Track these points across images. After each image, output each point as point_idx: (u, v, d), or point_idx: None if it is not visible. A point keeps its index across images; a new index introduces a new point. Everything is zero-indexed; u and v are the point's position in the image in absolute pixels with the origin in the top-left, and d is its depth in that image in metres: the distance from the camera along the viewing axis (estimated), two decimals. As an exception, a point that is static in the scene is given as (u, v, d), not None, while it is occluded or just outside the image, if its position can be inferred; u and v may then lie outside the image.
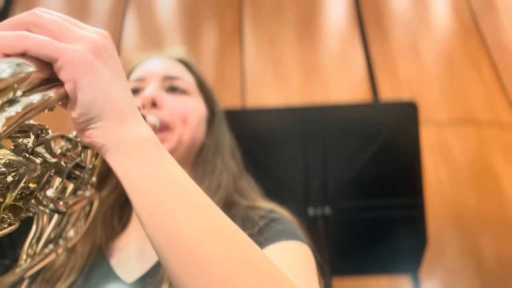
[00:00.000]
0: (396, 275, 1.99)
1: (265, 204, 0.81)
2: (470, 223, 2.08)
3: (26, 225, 0.50)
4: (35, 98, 0.36)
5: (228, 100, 2.30)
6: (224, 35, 2.65)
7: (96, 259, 0.77)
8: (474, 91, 2.45)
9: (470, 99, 2.41)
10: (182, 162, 0.83)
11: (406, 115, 1.38)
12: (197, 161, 0.88)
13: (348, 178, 1.35)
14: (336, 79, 2.49)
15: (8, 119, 0.33)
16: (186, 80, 0.90)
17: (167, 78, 0.88)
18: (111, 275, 0.73)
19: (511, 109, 2.41)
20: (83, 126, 0.44)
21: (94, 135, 0.44)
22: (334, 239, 1.34)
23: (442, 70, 2.52)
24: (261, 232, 0.70)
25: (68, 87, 0.42)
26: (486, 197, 2.14)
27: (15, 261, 0.55)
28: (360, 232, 1.40)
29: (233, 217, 0.75)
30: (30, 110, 0.36)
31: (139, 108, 0.49)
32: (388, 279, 2.01)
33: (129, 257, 0.77)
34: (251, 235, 0.67)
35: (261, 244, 0.67)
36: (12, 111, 0.34)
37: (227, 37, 2.64)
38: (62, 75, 0.41)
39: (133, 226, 0.83)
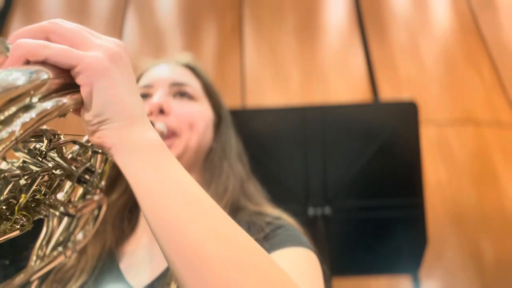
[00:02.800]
0: (396, 275, 1.99)
1: (272, 211, 0.82)
2: (470, 223, 2.08)
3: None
4: (49, 104, 0.38)
5: (228, 100, 2.28)
6: (224, 35, 2.65)
7: (106, 261, 0.77)
8: (474, 91, 2.45)
9: (470, 99, 2.42)
10: (190, 167, 0.84)
11: (406, 115, 1.38)
12: (204, 165, 0.89)
13: (348, 178, 1.36)
14: (336, 79, 2.49)
15: (23, 124, 0.34)
16: (193, 85, 0.91)
17: (175, 84, 0.89)
18: (121, 279, 0.74)
19: (511, 109, 2.41)
20: (95, 128, 0.45)
21: (104, 136, 0.45)
22: (334, 239, 1.34)
23: (442, 70, 2.52)
24: (267, 238, 0.71)
25: (84, 90, 0.44)
26: (486, 197, 2.14)
27: (14, 261, 0.56)
28: (360, 232, 1.40)
29: (238, 222, 0.76)
30: (45, 115, 0.37)
31: (147, 115, 0.50)
32: (388, 279, 2.01)
33: (139, 262, 0.77)
34: (256, 241, 0.68)
35: (267, 250, 0.67)
36: (27, 117, 0.35)
37: (227, 37, 2.64)
38: (80, 79, 0.43)
39: (143, 230, 0.84)
